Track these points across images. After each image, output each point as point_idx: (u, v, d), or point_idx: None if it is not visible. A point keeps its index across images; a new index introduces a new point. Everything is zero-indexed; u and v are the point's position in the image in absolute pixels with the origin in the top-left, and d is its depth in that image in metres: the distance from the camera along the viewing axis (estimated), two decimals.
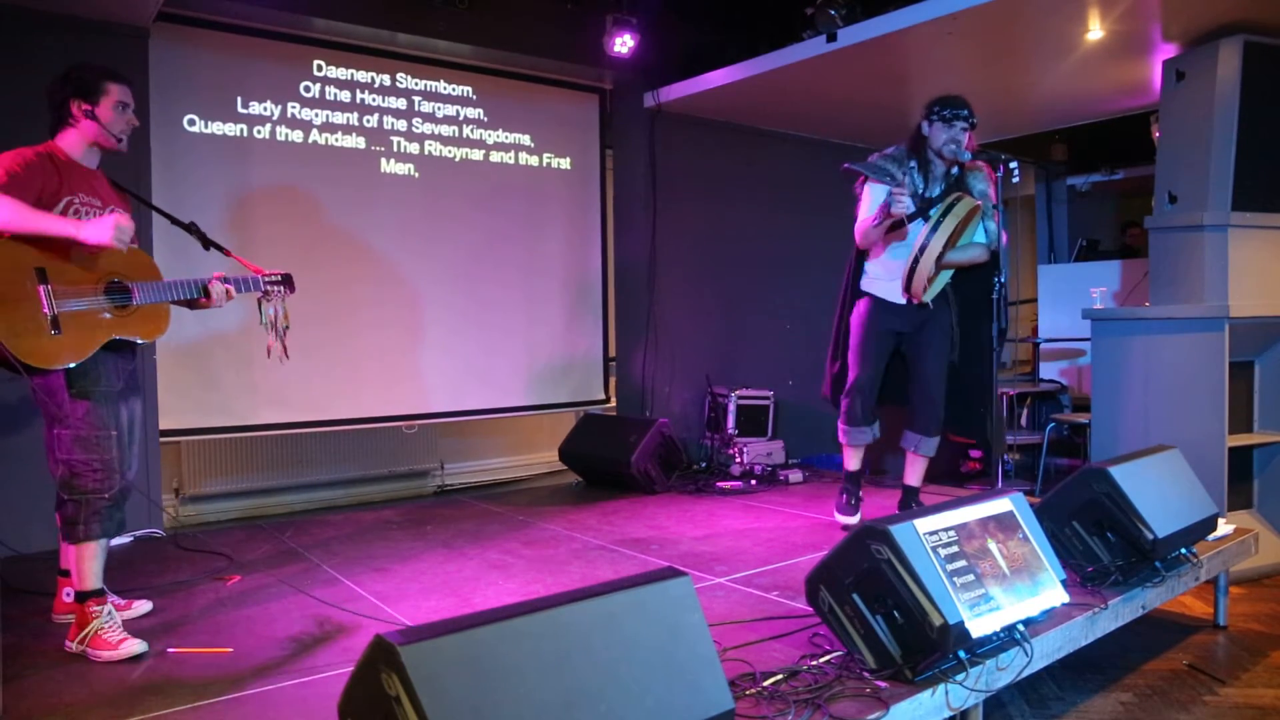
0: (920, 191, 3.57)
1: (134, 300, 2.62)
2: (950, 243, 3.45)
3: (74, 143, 2.65)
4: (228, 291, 2.82)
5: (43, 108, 2.65)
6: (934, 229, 3.41)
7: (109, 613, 2.54)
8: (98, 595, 2.55)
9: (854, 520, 3.88)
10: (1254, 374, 4.17)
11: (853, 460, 3.88)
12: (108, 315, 2.57)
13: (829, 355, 4.01)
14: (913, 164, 3.58)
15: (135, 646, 2.49)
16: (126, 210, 2.82)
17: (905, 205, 3.46)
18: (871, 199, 3.62)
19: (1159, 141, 4.33)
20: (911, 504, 3.83)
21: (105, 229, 2.47)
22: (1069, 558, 2.84)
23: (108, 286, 2.57)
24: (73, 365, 2.49)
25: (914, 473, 3.87)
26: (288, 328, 2.97)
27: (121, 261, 2.62)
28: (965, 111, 3.49)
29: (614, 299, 5.93)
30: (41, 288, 2.45)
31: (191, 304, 2.81)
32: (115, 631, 2.51)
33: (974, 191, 3.56)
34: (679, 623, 1.77)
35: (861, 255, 3.81)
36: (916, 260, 3.45)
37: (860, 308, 3.77)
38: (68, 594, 2.69)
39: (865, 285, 3.78)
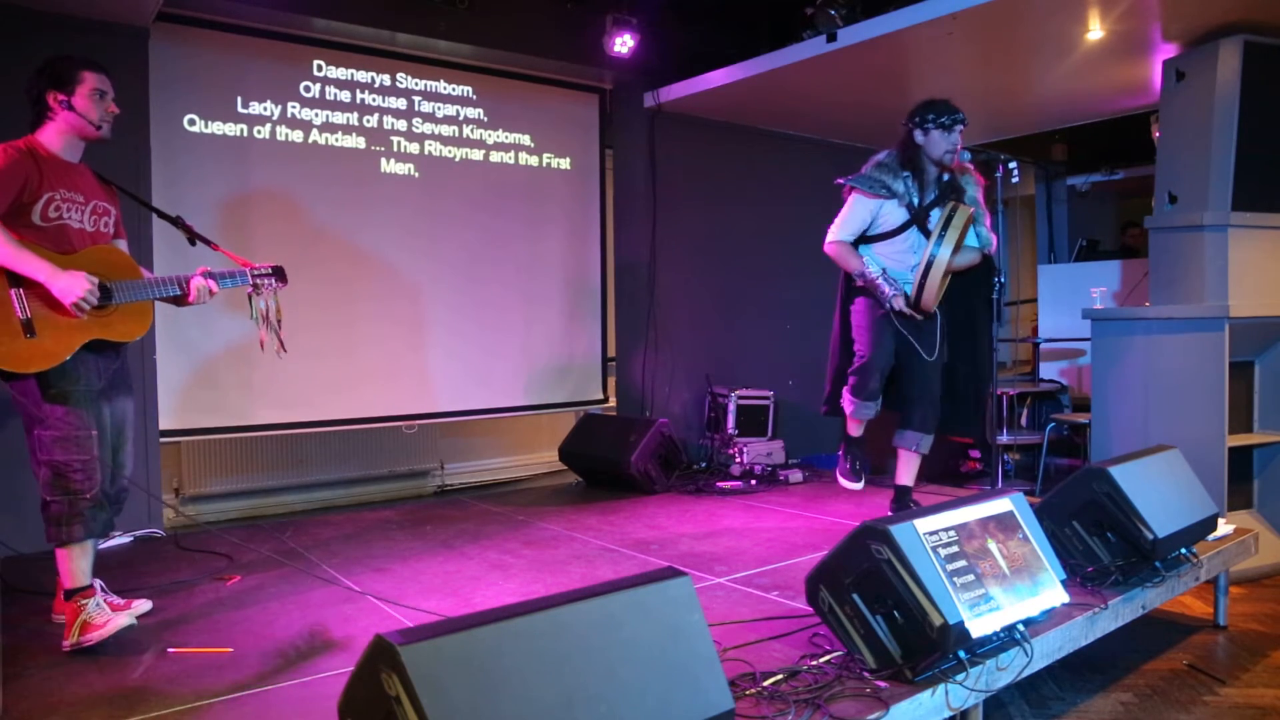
0: (916, 201, 3.57)
1: (113, 300, 2.60)
2: (954, 251, 3.46)
3: (54, 136, 2.62)
4: (209, 288, 2.77)
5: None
6: (939, 241, 3.42)
7: (96, 603, 2.55)
8: (85, 590, 2.57)
9: (859, 486, 3.91)
10: (1254, 374, 4.17)
11: (856, 428, 3.88)
12: (87, 316, 2.55)
13: (830, 373, 3.96)
14: (907, 174, 3.58)
15: (122, 619, 2.50)
16: (114, 202, 2.80)
17: (899, 304, 3.53)
18: (853, 212, 3.62)
19: (1159, 141, 4.34)
20: (907, 504, 3.82)
21: (74, 291, 2.46)
22: (1069, 558, 2.84)
23: None
24: (48, 368, 2.48)
25: (909, 472, 3.86)
26: (281, 321, 2.91)
27: (100, 261, 2.61)
28: (960, 115, 3.51)
29: (614, 299, 5.92)
30: (13, 291, 2.44)
31: (176, 301, 2.78)
32: (101, 614, 2.52)
33: (966, 196, 3.58)
34: (679, 623, 1.77)
35: None
36: (926, 274, 3.44)
37: (861, 299, 3.75)
38: None
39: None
